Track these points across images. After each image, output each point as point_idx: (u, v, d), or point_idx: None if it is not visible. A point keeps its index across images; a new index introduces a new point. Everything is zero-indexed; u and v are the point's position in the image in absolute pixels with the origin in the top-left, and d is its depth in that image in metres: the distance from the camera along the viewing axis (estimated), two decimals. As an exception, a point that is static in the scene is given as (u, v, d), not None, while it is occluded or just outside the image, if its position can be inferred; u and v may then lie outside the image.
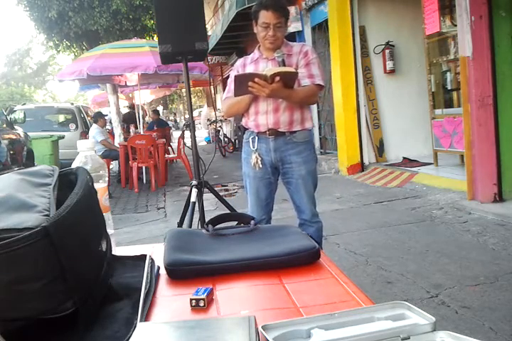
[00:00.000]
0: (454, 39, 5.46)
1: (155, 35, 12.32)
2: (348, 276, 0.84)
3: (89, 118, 10.38)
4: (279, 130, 2.50)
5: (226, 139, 12.55)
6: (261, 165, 2.55)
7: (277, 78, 2.25)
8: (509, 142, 4.38)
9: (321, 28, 7.66)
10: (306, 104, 2.57)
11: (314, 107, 8.28)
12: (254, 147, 2.55)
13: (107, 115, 9.30)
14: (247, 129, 2.62)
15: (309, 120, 2.58)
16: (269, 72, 2.26)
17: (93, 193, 0.78)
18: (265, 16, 2.42)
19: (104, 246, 0.77)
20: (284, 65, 2.42)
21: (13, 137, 6.54)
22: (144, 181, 7.87)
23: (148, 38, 12.54)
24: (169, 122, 18.05)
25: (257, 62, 2.55)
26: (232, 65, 12.73)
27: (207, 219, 1.09)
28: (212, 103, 20.24)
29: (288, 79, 2.32)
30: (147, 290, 0.78)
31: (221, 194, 3.60)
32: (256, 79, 2.24)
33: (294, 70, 2.36)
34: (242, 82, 2.29)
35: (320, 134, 8.35)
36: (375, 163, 6.90)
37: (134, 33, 12.97)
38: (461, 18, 4.36)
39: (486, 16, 4.24)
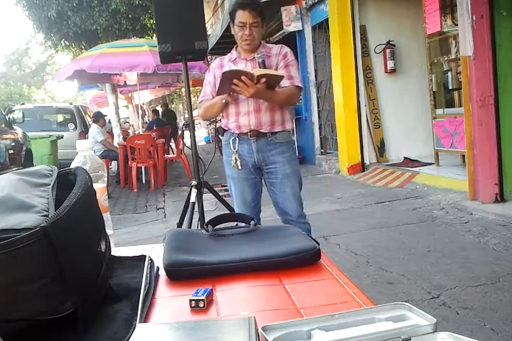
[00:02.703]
0: (455, 38, 5.46)
1: (154, 35, 12.32)
2: (349, 277, 0.84)
3: (88, 117, 10.39)
4: (261, 131, 2.49)
5: (226, 139, 12.53)
6: (240, 167, 2.54)
7: (263, 79, 2.24)
8: (510, 142, 4.37)
9: (322, 28, 7.65)
10: (287, 104, 2.56)
11: (315, 107, 8.29)
12: (234, 148, 2.53)
13: (106, 115, 9.32)
14: (226, 131, 2.60)
15: (289, 121, 2.58)
16: (256, 72, 2.26)
17: (92, 193, 0.77)
18: (241, 16, 2.42)
19: (103, 247, 0.77)
20: (265, 66, 2.42)
21: (12, 137, 6.54)
22: (143, 181, 7.86)
23: (147, 38, 12.54)
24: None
25: (236, 63, 2.53)
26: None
27: (206, 220, 1.08)
28: (212, 103, 20.22)
29: (272, 82, 2.33)
30: (146, 291, 0.77)
31: (221, 194, 3.60)
32: (243, 77, 2.23)
33: (280, 74, 2.36)
34: (228, 80, 2.28)
35: (320, 134, 8.35)
36: (376, 163, 6.90)
37: (133, 33, 12.95)
38: (463, 17, 4.36)
39: (488, 16, 4.24)
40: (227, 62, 2.56)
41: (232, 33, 2.52)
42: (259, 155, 2.52)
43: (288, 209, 2.55)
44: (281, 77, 2.35)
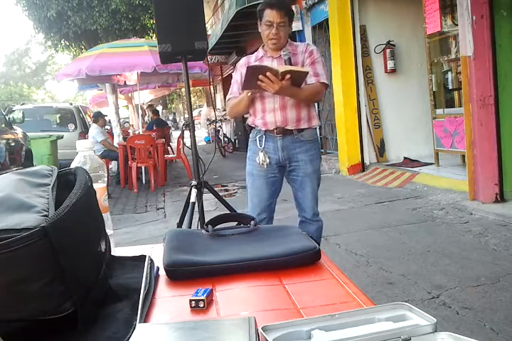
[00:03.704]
0: (455, 38, 5.46)
1: (154, 35, 12.32)
2: (349, 277, 0.84)
3: (88, 117, 10.39)
4: (287, 128, 2.52)
5: (226, 139, 12.54)
6: (267, 165, 2.56)
7: (288, 76, 2.27)
8: (510, 142, 4.37)
9: (322, 28, 7.66)
10: (312, 101, 2.61)
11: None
12: (261, 145, 2.56)
13: (106, 115, 9.31)
14: (254, 128, 2.63)
15: (315, 118, 2.60)
16: (281, 69, 2.28)
17: (92, 193, 0.77)
18: (269, 15, 2.45)
19: (103, 247, 0.76)
20: (290, 64, 2.45)
21: (12, 137, 6.53)
22: (144, 181, 7.86)
23: (147, 38, 12.54)
24: (168, 122, 18.09)
25: (262, 61, 2.56)
26: (232, 64, 12.75)
27: (206, 220, 1.08)
28: (211, 103, 20.22)
29: (297, 79, 2.35)
30: (146, 291, 0.77)
31: (221, 194, 3.60)
32: (268, 74, 2.25)
33: (305, 70, 2.39)
34: (254, 75, 2.30)
35: (320, 134, 8.34)
36: (376, 163, 6.90)
37: (133, 33, 12.97)
38: (463, 17, 4.36)
39: (488, 16, 4.24)
40: (254, 61, 2.59)
41: (259, 30, 2.55)
42: (283, 153, 2.54)
43: (305, 206, 2.60)
44: (306, 74, 2.38)
